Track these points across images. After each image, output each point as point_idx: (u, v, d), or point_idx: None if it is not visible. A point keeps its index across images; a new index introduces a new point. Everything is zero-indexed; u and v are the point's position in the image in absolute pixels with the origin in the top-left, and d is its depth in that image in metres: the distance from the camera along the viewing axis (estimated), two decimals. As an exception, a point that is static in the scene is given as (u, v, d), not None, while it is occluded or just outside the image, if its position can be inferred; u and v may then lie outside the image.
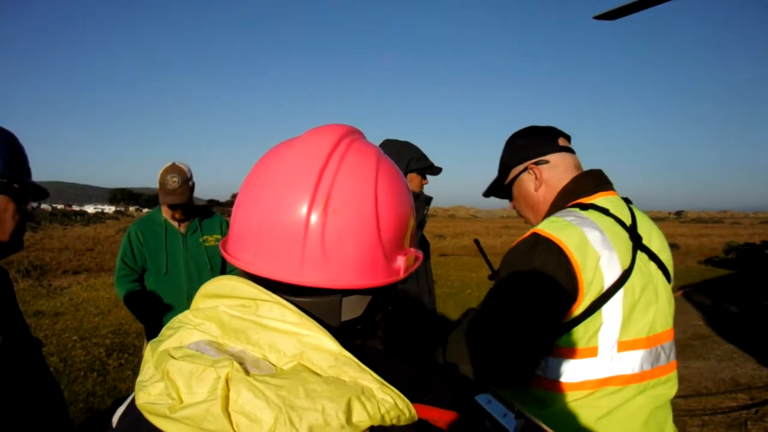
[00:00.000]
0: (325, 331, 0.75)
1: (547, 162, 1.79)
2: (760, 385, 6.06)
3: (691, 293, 13.22)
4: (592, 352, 1.53)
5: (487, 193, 1.98)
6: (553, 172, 1.78)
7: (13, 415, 1.47)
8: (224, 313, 0.77)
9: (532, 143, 1.83)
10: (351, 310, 0.86)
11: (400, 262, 0.88)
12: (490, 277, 1.89)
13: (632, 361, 1.56)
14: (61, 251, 19.93)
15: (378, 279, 0.85)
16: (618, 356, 1.54)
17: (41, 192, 1.66)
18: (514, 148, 1.86)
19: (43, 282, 12.64)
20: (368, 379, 0.72)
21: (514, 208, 1.93)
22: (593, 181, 1.76)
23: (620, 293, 1.53)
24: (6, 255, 1.61)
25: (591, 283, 1.50)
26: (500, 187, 1.93)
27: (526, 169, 1.81)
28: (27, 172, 1.62)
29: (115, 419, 0.85)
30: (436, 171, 2.81)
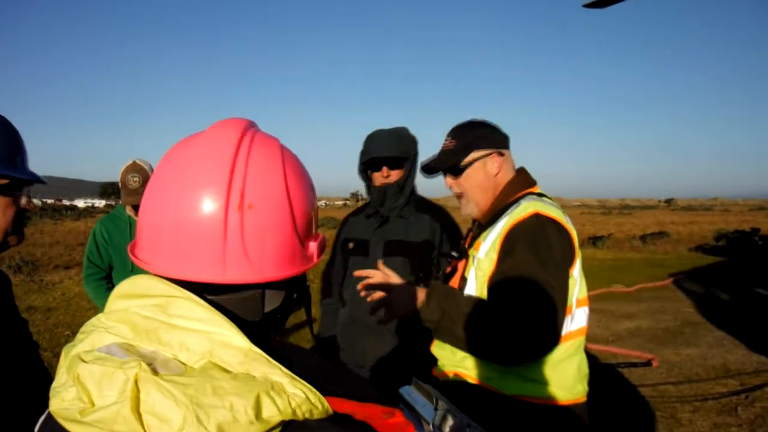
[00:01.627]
0: (235, 327, 0.75)
1: (503, 155, 2.08)
2: (750, 371, 6.13)
3: (682, 280, 13.32)
4: (570, 309, 1.86)
5: (429, 168, 2.14)
6: (507, 165, 2.09)
7: (13, 417, 1.46)
8: (135, 314, 0.77)
9: (497, 135, 2.10)
10: (273, 300, 0.87)
11: (313, 248, 0.90)
12: (452, 255, 2.14)
13: (584, 316, 1.94)
14: (52, 246, 19.82)
15: (297, 267, 0.86)
16: (578, 312, 1.90)
17: (35, 178, 1.58)
18: (481, 134, 2.07)
19: (34, 277, 12.58)
20: (278, 374, 0.72)
21: (454, 186, 2.11)
22: (531, 176, 2.12)
23: (579, 260, 1.92)
24: (2, 249, 1.58)
25: (578, 251, 1.92)
26: (444, 165, 2.09)
27: (489, 155, 2.05)
28: (17, 160, 1.54)
29: (37, 427, 0.84)
30: (371, 165, 2.78)
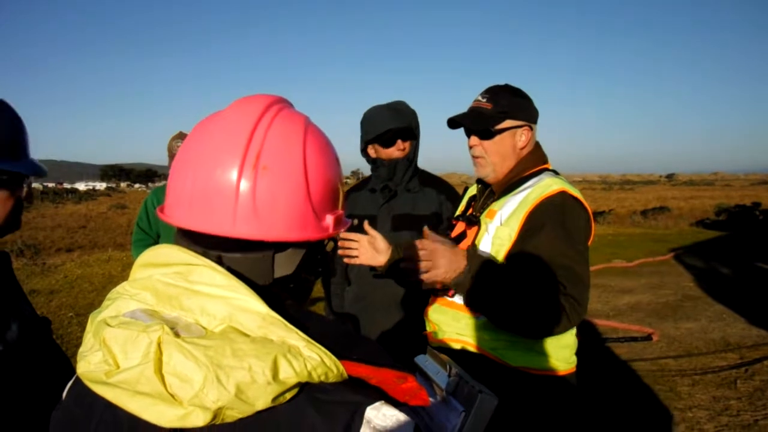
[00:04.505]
0: (254, 293, 0.77)
1: (533, 130, 2.09)
2: (750, 345, 6.15)
3: (682, 255, 13.33)
4: None
5: (457, 124, 2.11)
6: (532, 140, 2.10)
7: (33, 394, 1.48)
8: (158, 281, 0.80)
9: (532, 108, 2.10)
10: (283, 266, 0.88)
11: (330, 220, 0.92)
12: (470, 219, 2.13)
13: None
14: (53, 229, 19.86)
15: (308, 233, 0.88)
16: None
17: (36, 171, 1.56)
18: (519, 104, 2.06)
19: (36, 260, 12.61)
20: (295, 338, 0.74)
21: (477, 147, 2.08)
22: (544, 152, 2.15)
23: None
24: (2, 236, 1.58)
25: (593, 230, 2.01)
26: (476, 126, 2.07)
27: (521, 126, 2.05)
28: (19, 150, 1.53)
29: (65, 391, 0.88)
30: (383, 139, 2.72)
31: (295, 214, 0.86)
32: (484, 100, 2.06)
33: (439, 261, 1.83)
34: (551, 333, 1.83)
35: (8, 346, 1.45)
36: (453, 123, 2.10)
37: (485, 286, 1.83)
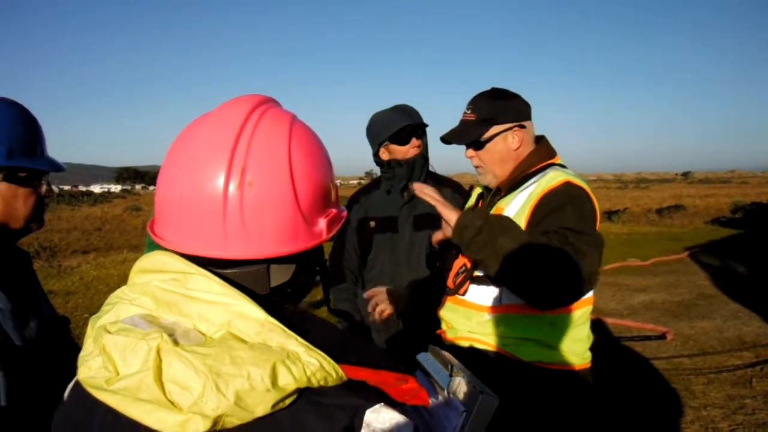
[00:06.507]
0: (250, 299, 0.78)
1: (525, 127, 2.07)
2: (765, 343, 6.09)
3: (698, 253, 13.22)
4: None
5: (451, 140, 2.13)
6: (528, 137, 2.08)
7: (50, 391, 1.51)
8: (156, 287, 0.81)
9: (518, 106, 2.09)
10: (279, 275, 0.89)
11: (322, 224, 0.91)
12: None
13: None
14: (69, 232, 20.05)
15: (300, 244, 0.87)
16: None
17: (54, 167, 1.62)
18: (502, 107, 2.05)
19: (53, 262, 12.74)
20: (294, 344, 0.75)
21: (474, 158, 2.10)
22: (551, 146, 2.13)
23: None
24: (24, 234, 1.62)
25: (598, 223, 1.95)
26: (464, 140, 2.10)
27: (510, 129, 2.04)
28: (36, 149, 1.57)
29: (66, 393, 0.89)
30: (399, 138, 2.71)
31: (286, 228, 0.85)
32: (469, 111, 2.09)
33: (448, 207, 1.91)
34: (555, 295, 1.77)
35: (27, 342, 1.48)
36: (446, 141, 2.12)
37: (494, 226, 1.80)
